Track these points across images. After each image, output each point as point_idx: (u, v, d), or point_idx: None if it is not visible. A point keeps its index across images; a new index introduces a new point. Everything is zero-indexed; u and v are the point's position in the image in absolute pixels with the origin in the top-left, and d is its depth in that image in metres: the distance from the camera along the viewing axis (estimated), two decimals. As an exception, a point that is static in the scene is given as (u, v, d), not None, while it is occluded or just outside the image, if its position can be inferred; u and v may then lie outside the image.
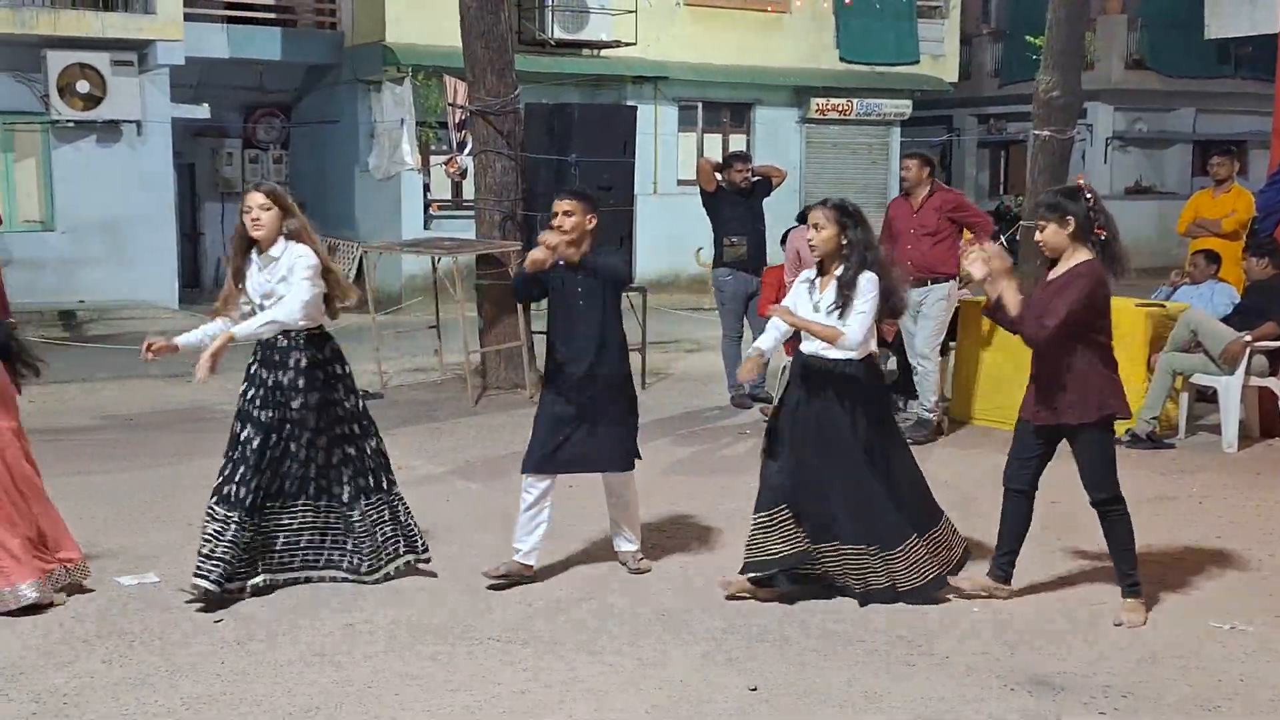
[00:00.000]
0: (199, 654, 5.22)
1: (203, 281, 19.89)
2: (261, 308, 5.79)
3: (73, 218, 16.46)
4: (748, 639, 5.40)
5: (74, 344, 13.99)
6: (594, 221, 5.94)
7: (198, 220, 19.87)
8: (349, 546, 6.02)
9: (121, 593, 5.96)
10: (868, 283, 5.57)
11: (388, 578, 6.03)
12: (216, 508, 5.75)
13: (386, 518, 6.05)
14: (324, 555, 6.03)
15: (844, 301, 5.57)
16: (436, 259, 11.88)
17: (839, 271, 5.63)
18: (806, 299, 5.72)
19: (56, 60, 15.69)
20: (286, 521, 5.92)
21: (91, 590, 5.92)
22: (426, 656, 5.21)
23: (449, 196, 18.59)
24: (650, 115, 19.16)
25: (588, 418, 5.93)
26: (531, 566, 6.08)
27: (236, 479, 5.75)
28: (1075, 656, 5.21)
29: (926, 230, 9.09)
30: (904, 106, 22.16)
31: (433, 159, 17.78)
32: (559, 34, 18.35)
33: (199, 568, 5.71)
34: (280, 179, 20.09)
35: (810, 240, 5.68)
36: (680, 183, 19.57)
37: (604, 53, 19.22)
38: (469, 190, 15.03)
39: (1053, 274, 5.51)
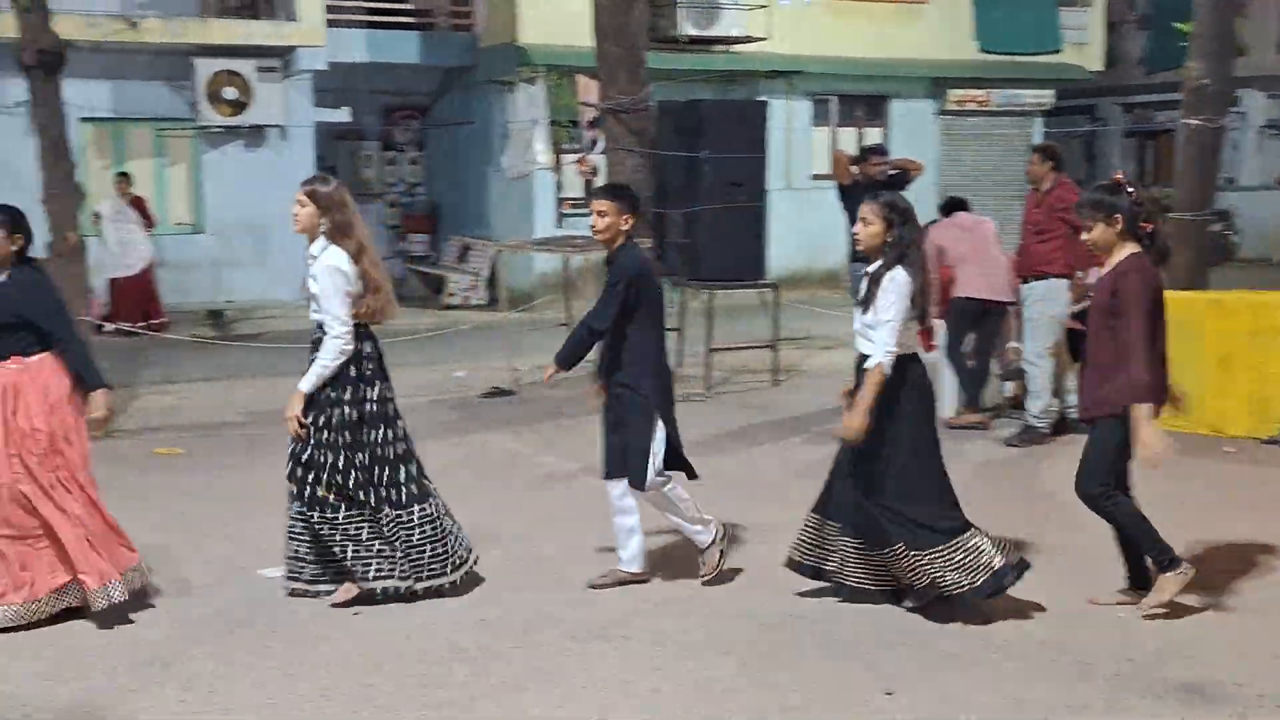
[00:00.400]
0: (338, 646, 5.32)
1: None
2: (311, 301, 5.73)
3: (220, 220, 17.00)
4: (883, 643, 5.31)
5: (221, 342, 14.41)
6: (630, 221, 5.85)
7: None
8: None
9: (266, 585, 6.09)
10: (892, 283, 5.36)
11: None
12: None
13: (363, 536, 5.71)
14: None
15: (869, 296, 5.42)
16: (567, 257, 11.94)
17: (873, 267, 5.51)
18: (859, 292, 5.63)
19: (205, 68, 16.20)
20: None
21: (137, 604, 6.04)
22: (560, 652, 5.23)
23: (580, 195, 18.70)
24: (783, 110, 19.02)
25: (610, 421, 5.95)
26: (638, 572, 6.02)
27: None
28: (1227, 665, 5.01)
29: (1036, 226, 8.81)
30: (1045, 97, 21.63)
31: (565, 158, 17.90)
32: (691, 31, 18.32)
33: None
34: (416, 180, 20.48)
35: (856, 234, 5.57)
36: (814, 177, 19.42)
37: (736, 48, 19.15)
38: (601, 188, 15.12)
39: (1102, 271, 5.48)
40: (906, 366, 5.42)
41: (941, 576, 5.39)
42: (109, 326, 13.76)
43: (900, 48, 20.25)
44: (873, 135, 20.15)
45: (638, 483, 5.85)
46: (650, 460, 5.83)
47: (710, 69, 18.78)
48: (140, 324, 14.81)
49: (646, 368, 5.88)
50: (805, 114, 20.10)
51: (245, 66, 16.38)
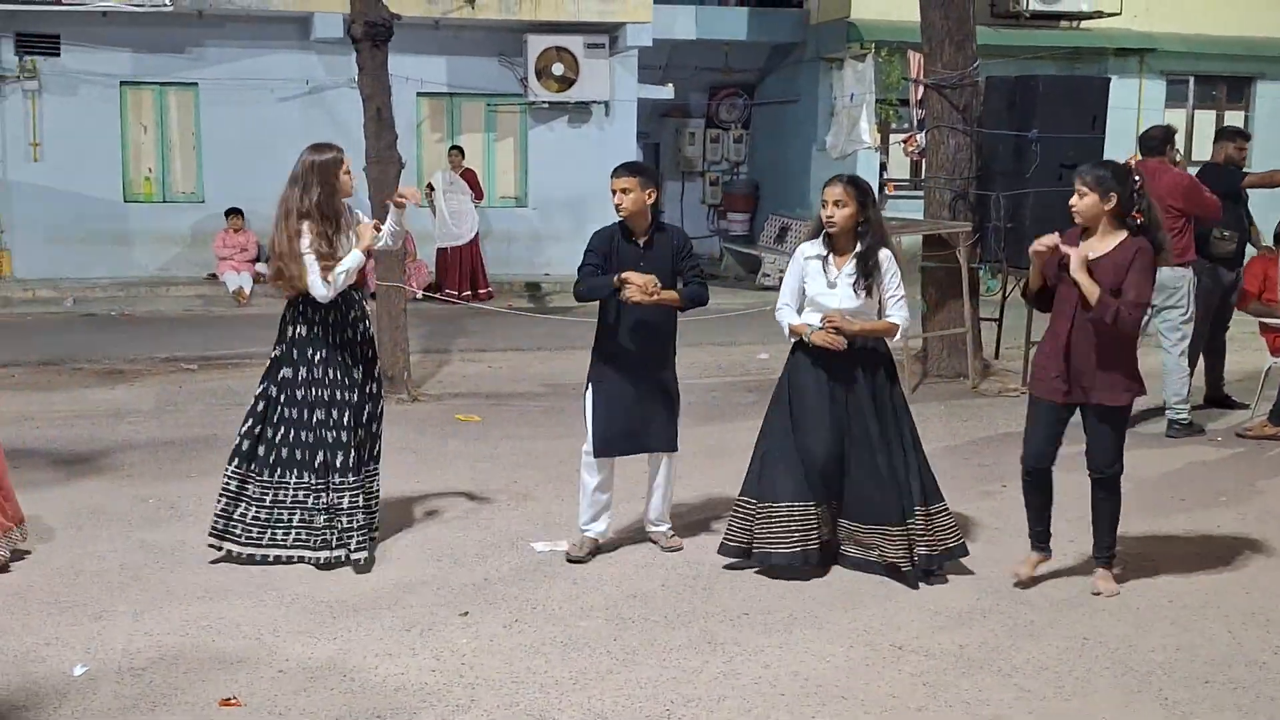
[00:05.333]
0: (594, 628, 5.17)
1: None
2: None
3: (543, 194, 17.33)
4: (1191, 676, 4.73)
5: (537, 315, 14.69)
6: (653, 196, 5.94)
7: (660, 198, 20.36)
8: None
9: (533, 559, 6.03)
10: (888, 260, 5.63)
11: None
12: None
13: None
14: None
15: (868, 276, 5.58)
16: (883, 239, 11.44)
17: (859, 248, 5.62)
18: (820, 275, 5.67)
19: (535, 44, 16.53)
20: None
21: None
22: (834, 661, 4.89)
23: (906, 176, 18.08)
24: (1134, 90, 17.81)
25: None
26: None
27: None
28: None
29: None
30: None
31: (891, 137, 17.34)
32: (1034, 5, 17.36)
33: None
34: (739, 158, 20.32)
35: (831, 217, 5.60)
36: (1165, 162, 18.04)
37: (1084, 24, 18.04)
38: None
39: (1098, 252, 5.39)
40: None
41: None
42: (419, 294, 14.17)
43: (1269, 25, 18.56)
44: (1234, 119, 18.59)
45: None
46: None
47: (1054, 45, 17.74)
48: (466, 293, 15.32)
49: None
50: (1158, 95, 18.73)
51: (574, 43, 16.61)
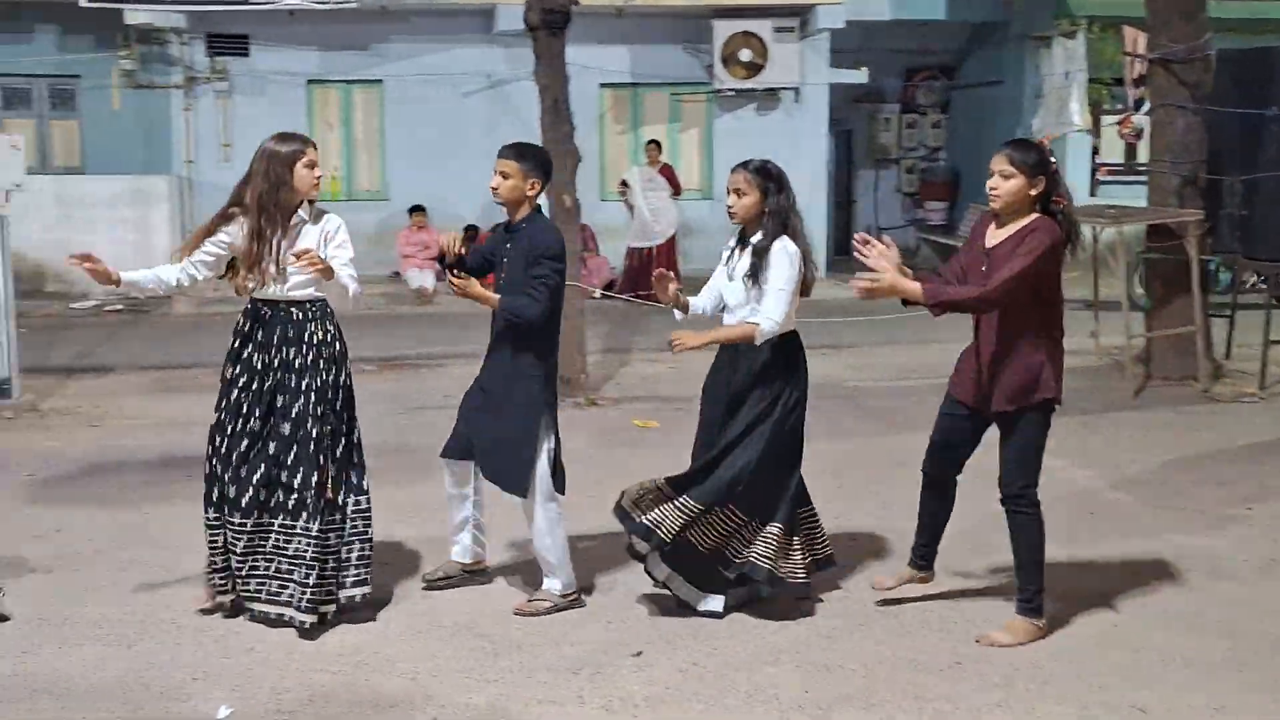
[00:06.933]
0: (781, 677, 4.58)
1: (852, 249, 19.67)
2: None
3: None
4: None
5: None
6: (536, 189, 5.18)
7: (852, 187, 19.60)
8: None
9: (715, 589, 5.47)
10: (783, 253, 4.97)
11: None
12: None
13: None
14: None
15: (755, 269, 4.99)
16: (1098, 229, 10.50)
17: (756, 238, 5.05)
18: (723, 268, 5.21)
19: (722, 30, 15.96)
20: None
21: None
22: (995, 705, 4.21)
23: (1120, 160, 16.91)
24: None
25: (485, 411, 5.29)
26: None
27: None
28: None
29: None
30: None
31: (1104, 119, 16.22)
32: (1264, -27, 16.05)
33: None
34: (938, 144, 19.40)
35: (730, 206, 5.12)
36: None
37: (1327, -7, 16.60)
38: (1144, 153, 13.48)
39: (1000, 235, 4.76)
40: (786, 344, 5.07)
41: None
42: (598, 293, 13.67)
43: None
44: None
45: (520, 489, 5.18)
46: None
47: (1281, 17, 16.37)
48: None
49: (530, 349, 5.22)
50: (1406, 67, 17.10)
51: (762, 27, 15.99)
